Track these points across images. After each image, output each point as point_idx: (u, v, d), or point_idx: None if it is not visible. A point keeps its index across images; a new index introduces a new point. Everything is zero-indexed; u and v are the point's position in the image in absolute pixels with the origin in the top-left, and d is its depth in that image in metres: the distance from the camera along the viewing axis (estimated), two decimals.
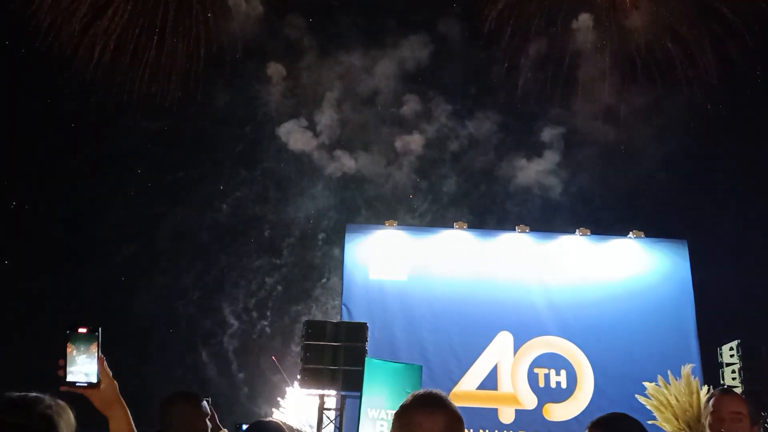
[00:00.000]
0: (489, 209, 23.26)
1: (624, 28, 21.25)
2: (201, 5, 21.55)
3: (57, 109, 21.54)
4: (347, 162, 23.29)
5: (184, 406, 3.40)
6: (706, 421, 3.14)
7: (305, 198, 24.58)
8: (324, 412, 10.19)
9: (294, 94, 23.61)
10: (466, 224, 12.03)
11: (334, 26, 23.27)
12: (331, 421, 10.32)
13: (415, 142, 23.23)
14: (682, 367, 9.42)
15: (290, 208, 24.73)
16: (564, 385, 10.98)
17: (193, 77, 21.72)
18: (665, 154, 19.81)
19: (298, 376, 10.27)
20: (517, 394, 10.92)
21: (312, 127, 23.43)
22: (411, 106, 23.24)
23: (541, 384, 10.99)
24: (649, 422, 8.82)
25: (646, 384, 9.56)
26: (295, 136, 23.16)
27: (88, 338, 2.04)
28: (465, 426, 1.91)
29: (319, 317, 21.56)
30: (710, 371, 10.92)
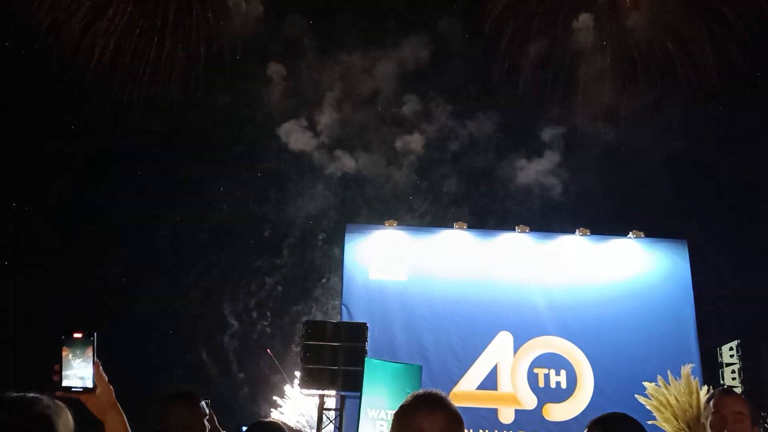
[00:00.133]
0: (489, 209, 23.29)
1: (624, 28, 21.26)
2: (201, 5, 21.55)
3: (57, 110, 21.53)
4: (347, 162, 23.31)
5: (183, 407, 3.40)
6: (707, 421, 3.13)
7: (305, 198, 24.59)
8: (324, 412, 10.19)
9: (294, 94, 23.62)
10: (466, 224, 12.02)
11: (334, 26, 23.28)
12: (331, 422, 10.32)
13: (415, 142, 23.25)
14: (682, 367, 9.41)
15: (290, 208, 24.75)
16: (564, 386, 10.97)
17: (193, 77, 21.73)
18: (665, 154, 19.81)
19: (298, 376, 10.27)
20: (516, 394, 10.92)
21: (312, 127, 23.45)
22: (411, 106, 23.26)
23: (541, 384, 10.99)
24: (649, 422, 8.81)
25: (645, 384, 9.55)
26: (295, 136, 23.17)
27: (83, 343, 2.04)
28: (465, 426, 1.91)
29: (319, 317, 21.59)
30: (710, 371, 10.91)
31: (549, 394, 10.93)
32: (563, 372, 11.04)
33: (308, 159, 23.50)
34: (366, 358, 8.90)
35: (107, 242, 22.46)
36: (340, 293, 11.57)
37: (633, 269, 11.60)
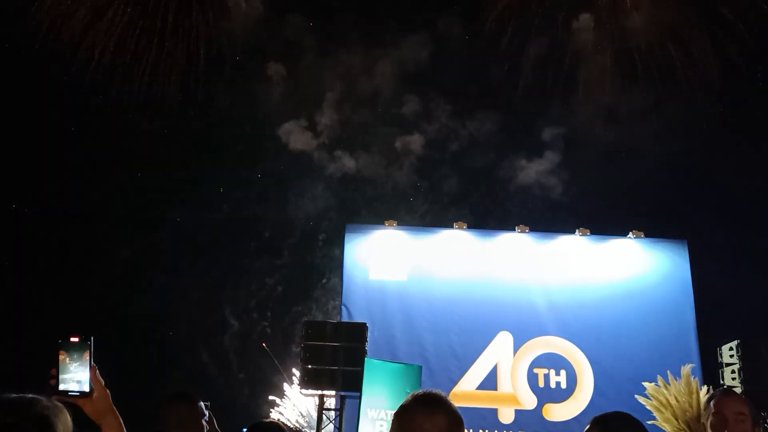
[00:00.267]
0: (489, 209, 23.30)
1: (624, 28, 21.25)
2: (201, 5, 21.54)
3: (57, 110, 21.53)
4: (347, 162, 23.32)
5: (181, 406, 3.39)
6: (707, 421, 3.12)
7: (305, 198, 24.60)
8: (324, 412, 10.19)
9: (294, 94, 23.62)
10: (466, 224, 12.01)
11: (334, 26, 23.28)
12: (331, 422, 10.32)
13: (415, 142, 23.27)
14: (682, 367, 9.41)
15: (290, 208, 24.74)
16: (564, 386, 10.97)
17: (193, 77, 21.72)
18: (665, 154, 19.82)
19: (298, 376, 10.27)
20: (516, 394, 10.91)
21: (312, 127, 23.46)
22: (411, 106, 23.27)
23: (541, 384, 10.98)
24: (649, 422, 8.81)
25: (645, 384, 9.55)
26: (295, 136, 23.18)
27: (80, 347, 2.03)
28: (465, 426, 1.91)
29: (319, 317, 21.61)
30: (710, 371, 10.91)
31: (549, 394, 10.93)
32: (563, 372, 11.04)
33: (308, 159, 23.51)
34: (366, 358, 8.89)
35: (107, 242, 22.45)
36: (340, 293, 11.56)
37: (633, 269, 11.59)
